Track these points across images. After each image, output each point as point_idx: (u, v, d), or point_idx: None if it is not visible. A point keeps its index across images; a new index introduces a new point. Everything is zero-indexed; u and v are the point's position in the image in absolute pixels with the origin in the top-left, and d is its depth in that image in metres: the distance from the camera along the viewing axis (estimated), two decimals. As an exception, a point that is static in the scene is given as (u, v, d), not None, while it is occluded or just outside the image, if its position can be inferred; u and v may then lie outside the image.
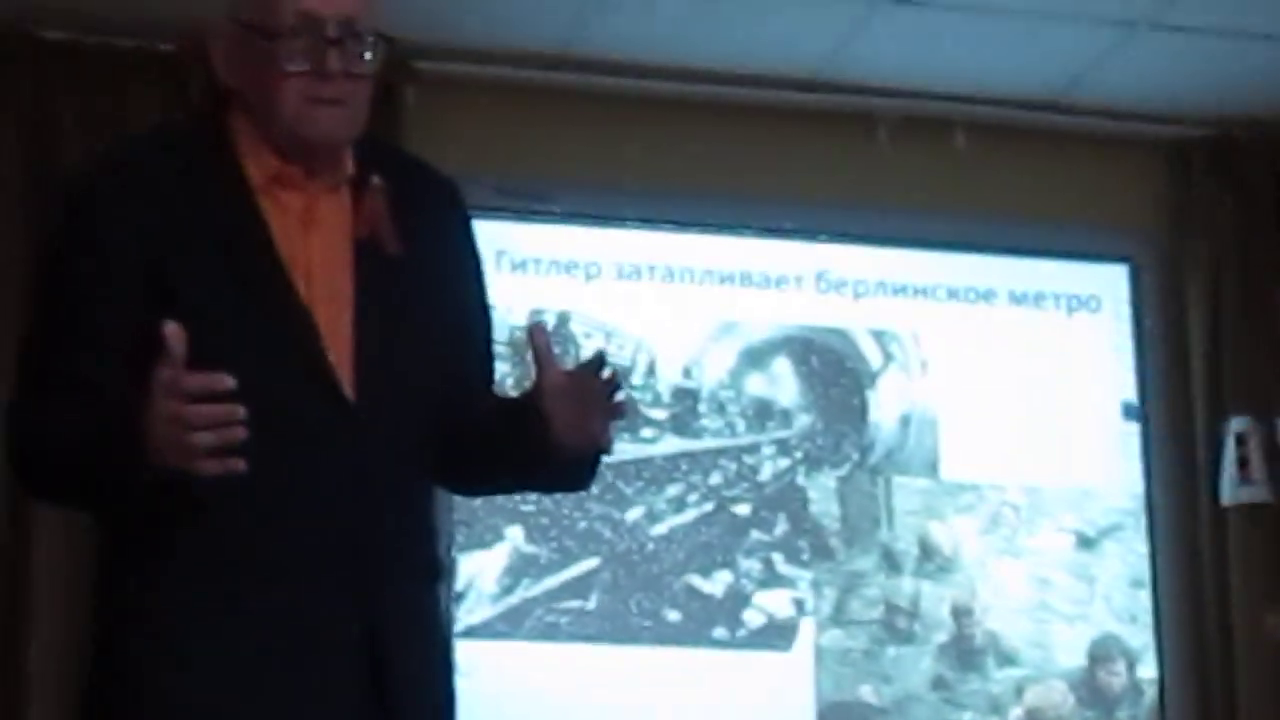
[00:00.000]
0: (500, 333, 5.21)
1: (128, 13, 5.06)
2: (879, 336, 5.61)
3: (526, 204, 5.38)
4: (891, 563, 5.46)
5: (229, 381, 2.34)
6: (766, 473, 5.47)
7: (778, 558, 5.40)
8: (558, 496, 5.24)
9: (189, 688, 2.47)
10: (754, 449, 5.47)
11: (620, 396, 2.61)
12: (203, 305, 2.49)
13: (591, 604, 5.25)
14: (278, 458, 2.47)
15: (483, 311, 2.81)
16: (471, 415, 2.72)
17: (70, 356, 2.50)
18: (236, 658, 2.48)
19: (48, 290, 2.58)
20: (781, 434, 5.50)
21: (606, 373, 2.58)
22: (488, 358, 2.82)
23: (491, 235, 5.28)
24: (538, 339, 2.62)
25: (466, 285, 2.78)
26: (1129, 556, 5.57)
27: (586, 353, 5.29)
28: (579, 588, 5.24)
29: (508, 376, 5.28)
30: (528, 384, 2.64)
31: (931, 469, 5.55)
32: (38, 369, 2.54)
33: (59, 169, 4.96)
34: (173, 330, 2.34)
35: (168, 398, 2.34)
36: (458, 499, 5.11)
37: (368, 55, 2.60)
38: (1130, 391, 5.67)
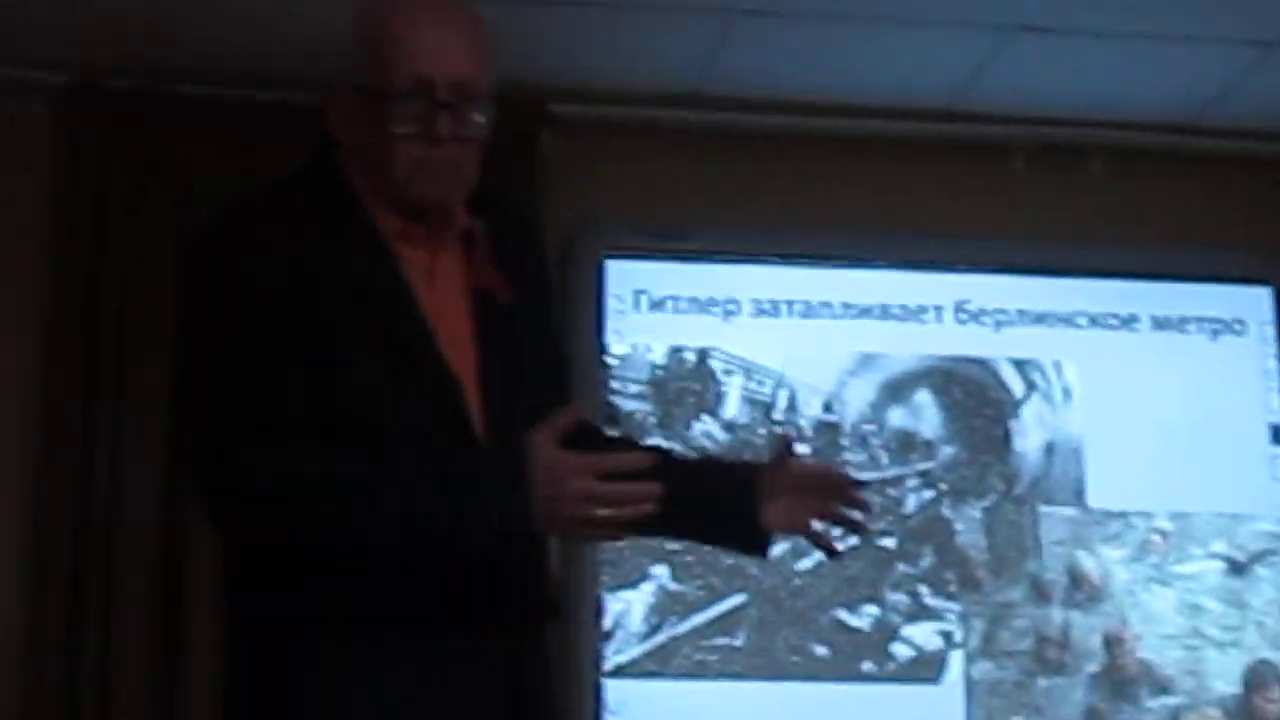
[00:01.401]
0: (641, 370, 5.30)
1: (262, 66, 5.13)
2: (1020, 366, 5.57)
3: (664, 243, 5.39)
4: (1040, 593, 5.42)
5: (648, 461, 2.51)
6: (911, 505, 5.45)
7: (925, 590, 5.38)
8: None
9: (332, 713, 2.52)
10: (897, 482, 5.46)
11: (859, 515, 2.81)
12: (350, 350, 2.55)
13: (739, 641, 5.25)
14: None
15: (559, 345, 2.97)
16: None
17: (268, 397, 2.52)
18: (385, 701, 2.52)
19: (215, 332, 2.58)
20: (925, 466, 5.48)
21: (857, 488, 2.78)
22: (567, 384, 2.93)
23: (630, 274, 5.34)
24: (788, 445, 2.85)
25: (549, 323, 2.89)
26: (1281, 581, 5.50)
27: (727, 390, 5.32)
28: (726, 624, 5.24)
29: (650, 415, 5.31)
30: (751, 458, 2.79)
31: (1078, 498, 5.50)
32: (233, 412, 2.53)
33: (198, 219, 5.06)
34: (574, 409, 2.52)
35: (577, 475, 2.46)
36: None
37: (478, 118, 2.64)
38: (1278, 415, 5.60)
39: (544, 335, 2.83)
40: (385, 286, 2.61)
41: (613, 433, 2.83)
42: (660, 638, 5.23)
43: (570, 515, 2.48)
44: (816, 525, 2.85)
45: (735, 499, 2.80)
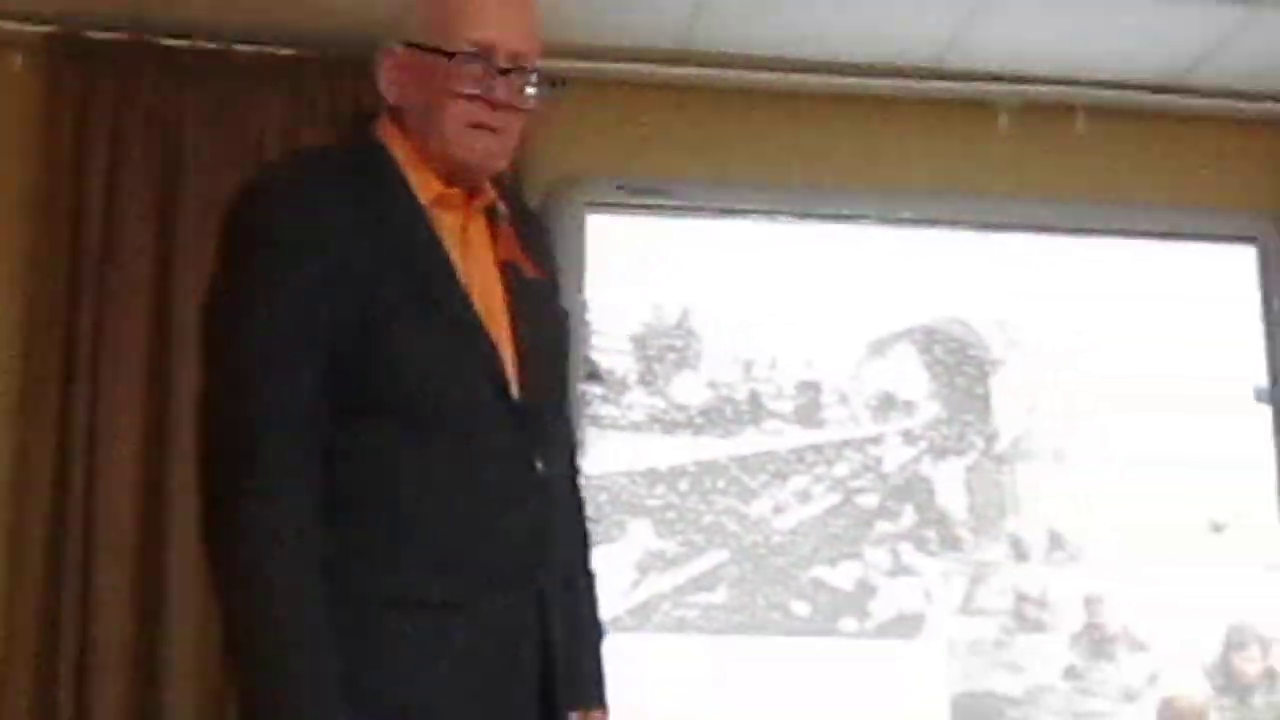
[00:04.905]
0: (622, 326, 5.29)
1: (248, 21, 5.13)
2: (1001, 325, 5.57)
3: (645, 199, 5.38)
4: (1020, 552, 5.43)
5: None
6: (891, 464, 5.45)
7: (905, 548, 5.39)
8: (683, 489, 5.26)
9: (401, 685, 2.55)
10: (878, 440, 5.46)
11: None
12: (391, 313, 2.59)
13: (719, 597, 5.25)
14: (464, 457, 2.60)
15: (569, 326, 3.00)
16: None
17: (295, 383, 2.53)
18: (443, 661, 2.57)
19: (255, 294, 2.57)
20: (906, 424, 5.48)
21: None
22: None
23: (612, 231, 5.32)
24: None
25: (562, 305, 2.96)
26: (1262, 542, 5.50)
27: (708, 347, 5.31)
28: (707, 581, 5.25)
29: (630, 372, 5.30)
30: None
31: (1058, 456, 5.50)
32: (262, 396, 2.53)
33: (186, 171, 5.10)
34: None
35: None
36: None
37: (531, 90, 2.72)
38: (1262, 374, 5.60)
39: (564, 315, 2.91)
40: (424, 248, 2.66)
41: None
42: (641, 594, 5.23)
43: None
44: None
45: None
